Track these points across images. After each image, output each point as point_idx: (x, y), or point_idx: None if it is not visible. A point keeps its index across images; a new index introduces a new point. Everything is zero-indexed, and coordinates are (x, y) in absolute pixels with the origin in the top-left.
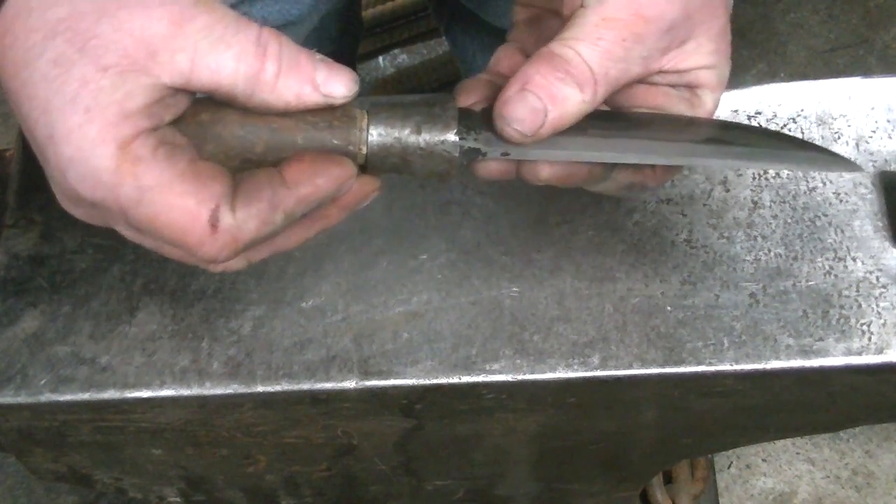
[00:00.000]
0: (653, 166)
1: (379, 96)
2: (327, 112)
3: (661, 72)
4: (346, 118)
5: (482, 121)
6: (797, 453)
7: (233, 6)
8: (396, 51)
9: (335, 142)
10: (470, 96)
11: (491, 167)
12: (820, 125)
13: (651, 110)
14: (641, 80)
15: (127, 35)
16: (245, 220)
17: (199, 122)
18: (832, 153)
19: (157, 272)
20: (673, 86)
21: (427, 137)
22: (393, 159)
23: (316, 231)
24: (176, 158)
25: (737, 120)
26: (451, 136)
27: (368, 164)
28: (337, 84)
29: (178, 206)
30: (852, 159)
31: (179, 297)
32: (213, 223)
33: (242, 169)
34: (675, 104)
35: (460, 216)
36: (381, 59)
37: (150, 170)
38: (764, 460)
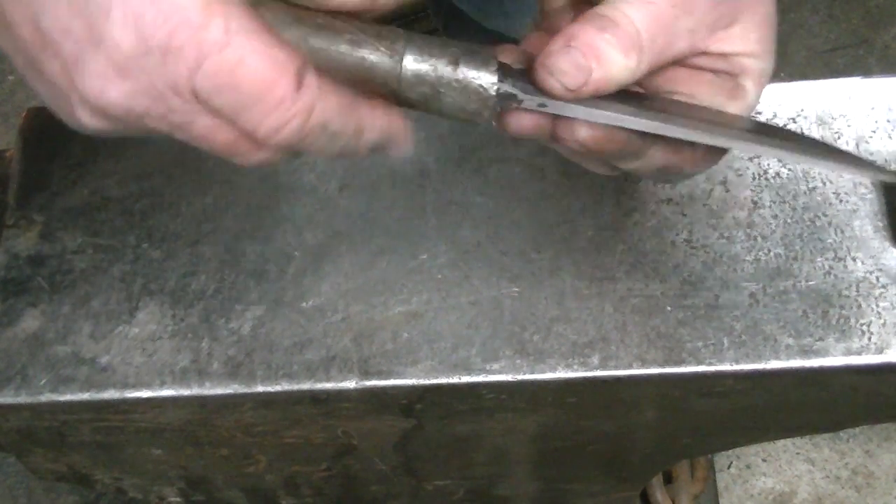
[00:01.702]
0: (693, 147)
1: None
2: (373, 24)
3: (705, 53)
4: (393, 33)
5: (521, 74)
6: (797, 453)
7: None
8: None
9: (381, 50)
10: (507, 57)
11: (524, 120)
12: (820, 125)
13: (690, 98)
14: (684, 63)
15: None
16: (328, 93)
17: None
18: (867, 162)
19: (157, 272)
20: (715, 72)
21: (464, 71)
22: (424, 88)
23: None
24: (259, 16)
25: None
26: (489, 74)
27: (401, 90)
28: None
29: (267, 54)
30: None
31: (179, 297)
32: (300, 79)
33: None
34: (717, 94)
35: (460, 216)
36: None
37: (238, 16)
38: (764, 460)
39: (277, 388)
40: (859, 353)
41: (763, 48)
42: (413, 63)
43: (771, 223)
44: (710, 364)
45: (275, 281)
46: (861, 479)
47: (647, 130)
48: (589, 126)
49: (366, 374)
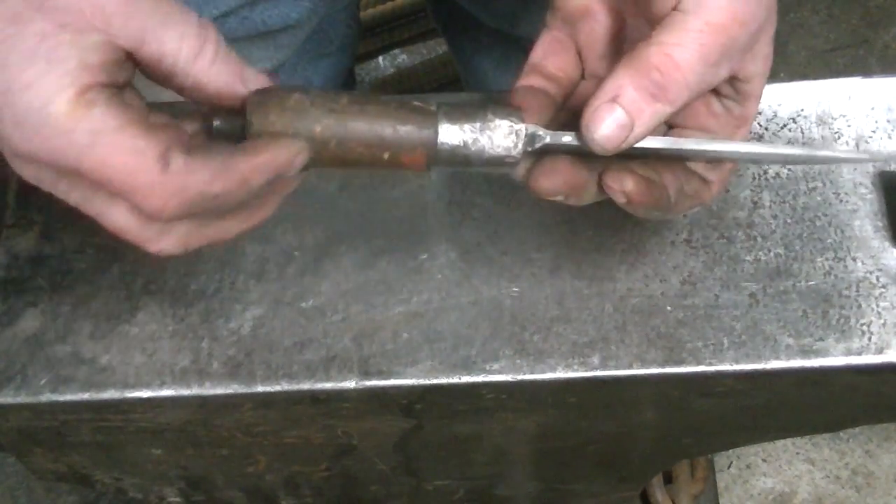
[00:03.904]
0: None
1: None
2: (410, 106)
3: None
4: (429, 113)
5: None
6: (797, 453)
7: (233, 10)
8: (396, 51)
9: (425, 131)
10: (531, 115)
11: (556, 177)
12: (820, 125)
13: (702, 131)
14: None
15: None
16: (198, 167)
17: (298, 104)
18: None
19: (157, 272)
20: (723, 96)
21: (494, 113)
22: (459, 158)
23: (254, 223)
24: (129, 107)
25: None
26: (517, 120)
27: (438, 159)
28: (258, 83)
29: (129, 146)
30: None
31: (179, 297)
32: (164, 162)
33: (335, 162)
34: (724, 125)
35: (460, 216)
36: (381, 59)
37: (103, 114)
38: (764, 460)
39: (277, 388)
40: (859, 353)
41: (766, 65)
42: (445, 138)
43: (771, 223)
44: (710, 364)
45: (275, 281)
46: (861, 479)
47: (675, 152)
48: (633, 178)
49: (366, 374)
